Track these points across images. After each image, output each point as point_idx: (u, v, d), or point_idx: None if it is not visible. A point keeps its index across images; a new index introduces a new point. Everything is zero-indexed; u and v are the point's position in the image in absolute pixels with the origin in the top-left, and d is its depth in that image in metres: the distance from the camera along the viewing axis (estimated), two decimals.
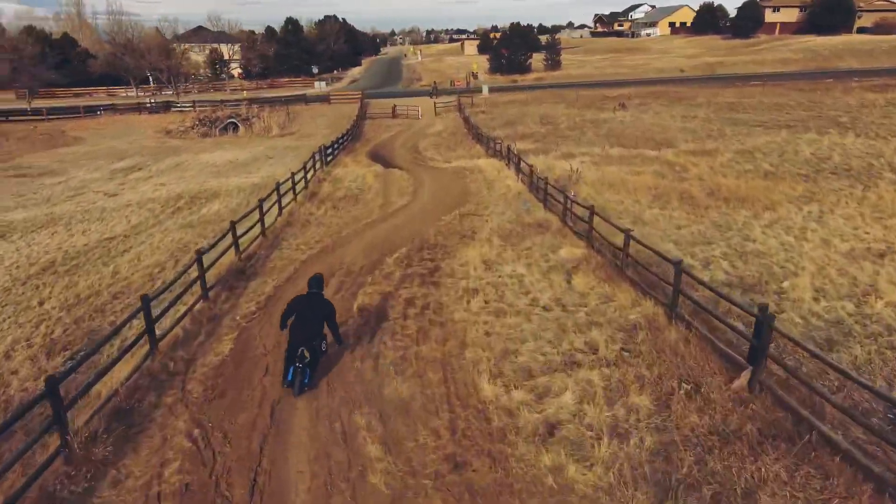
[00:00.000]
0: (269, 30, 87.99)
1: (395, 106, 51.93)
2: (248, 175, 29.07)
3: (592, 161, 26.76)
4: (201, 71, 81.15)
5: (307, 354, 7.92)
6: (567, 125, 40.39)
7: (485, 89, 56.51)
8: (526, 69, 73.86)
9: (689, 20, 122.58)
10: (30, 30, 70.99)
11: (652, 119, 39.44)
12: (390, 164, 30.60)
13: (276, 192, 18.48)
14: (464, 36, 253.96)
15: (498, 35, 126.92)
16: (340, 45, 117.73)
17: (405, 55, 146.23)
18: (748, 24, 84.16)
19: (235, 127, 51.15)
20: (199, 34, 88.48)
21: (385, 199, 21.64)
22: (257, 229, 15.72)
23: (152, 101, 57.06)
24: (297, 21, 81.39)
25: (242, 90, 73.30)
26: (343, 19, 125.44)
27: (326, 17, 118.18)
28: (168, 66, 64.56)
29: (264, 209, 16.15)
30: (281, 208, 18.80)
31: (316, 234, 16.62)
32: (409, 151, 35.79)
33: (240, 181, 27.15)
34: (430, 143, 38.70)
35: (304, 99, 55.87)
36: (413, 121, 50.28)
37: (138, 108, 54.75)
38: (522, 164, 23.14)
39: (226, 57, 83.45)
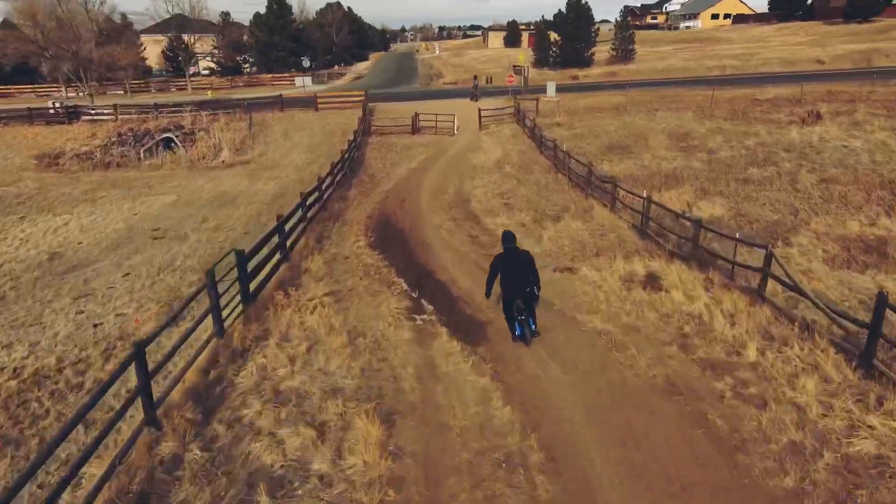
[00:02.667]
0: (259, 17, 69.74)
1: (416, 114, 33.32)
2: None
3: None
4: (156, 67, 62.97)
5: (522, 305, 8.24)
6: (733, 153, 21.81)
7: (551, 88, 37.77)
8: (586, 62, 55.28)
9: (733, 10, 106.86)
10: None
11: None
12: (430, 282, 11.81)
13: None
14: (478, 32, 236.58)
15: (529, 26, 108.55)
16: (344, 36, 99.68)
17: (417, 50, 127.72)
18: (869, 4, 65.00)
19: (171, 145, 32.81)
20: (167, 23, 70.20)
21: None
22: None
23: (56, 105, 38.66)
24: (283, 1, 62.79)
25: (210, 89, 55.15)
26: (349, 7, 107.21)
27: (329, 4, 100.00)
28: (98, 57, 46.19)
29: None
30: None
31: None
32: (458, 222, 16.73)
33: None
34: (491, 192, 20.03)
35: (280, 103, 37.36)
36: (445, 137, 31.75)
37: (29, 115, 36.41)
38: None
39: (199, 49, 65.43)
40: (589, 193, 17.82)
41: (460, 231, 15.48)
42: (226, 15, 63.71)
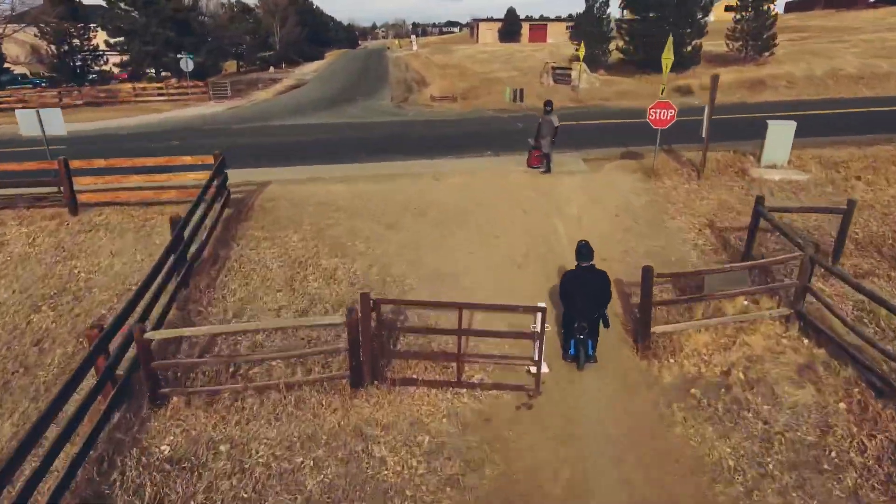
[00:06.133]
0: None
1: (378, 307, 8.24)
2: None
3: None
4: None
5: (585, 325, 7.31)
6: None
7: (779, 138, 12.77)
8: (688, 61, 30.92)
9: None
10: None
11: None
12: None
13: None
14: (455, 29, 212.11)
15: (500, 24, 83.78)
16: (292, 29, 74.05)
17: (388, 47, 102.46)
18: None
19: None
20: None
21: None
22: None
23: None
24: None
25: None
26: None
27: None
28: None
29: None
30: None
31: None
32: None
33: None
34: None
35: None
36: (512, 417, 6.80)
37: None
38: None
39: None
40: None
41: None
42: None
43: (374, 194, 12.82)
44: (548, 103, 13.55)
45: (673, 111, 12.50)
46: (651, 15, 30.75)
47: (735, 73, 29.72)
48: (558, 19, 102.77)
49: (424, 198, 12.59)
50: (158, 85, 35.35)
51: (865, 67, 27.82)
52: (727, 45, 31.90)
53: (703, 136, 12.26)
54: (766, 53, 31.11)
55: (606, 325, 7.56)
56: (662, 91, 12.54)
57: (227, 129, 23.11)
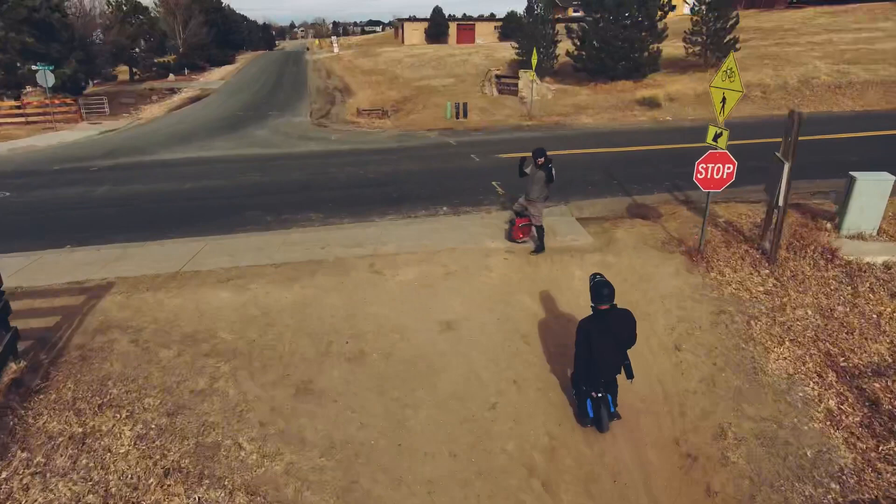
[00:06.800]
0: None
1: None
2: None
3: None
4: None
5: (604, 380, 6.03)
6: None
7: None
8: (645, 67, 27.30)
9: None
10: None
11: None
12: None
13: None
14: (377, 28, 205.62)
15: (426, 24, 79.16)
16: (197, 30, 66.13)
17: (308, 48, 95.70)
18: None
19: None
20: None
21: None
22: None
23: None
24: None
25: None
26: None
27: None
28: None
29: None
30: None
31: None
32: None
33: None
34: None
35: None
36: None
37: None
38: None
39: None
40: None
41: None
42: None
43: (279, 311, 7.92)
44: (539, 152, 9.06)
45: (731, 166, 8.35)
46: (600, 16, 26.99)
47: (696, 82, 26.53)
48: (482, 18, 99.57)
49: (359, 318, 7.82)
50: (13, 104, 28.28)
51: (839, 75, 25.31)
52: (686, 49, 28.73)
53: (780, 203, 8.15)
54: (720, 62, 28.16)
55: (630, 375, 6.00)
56: (717, 138, 8.31)
57: (82, 170, 17.18)
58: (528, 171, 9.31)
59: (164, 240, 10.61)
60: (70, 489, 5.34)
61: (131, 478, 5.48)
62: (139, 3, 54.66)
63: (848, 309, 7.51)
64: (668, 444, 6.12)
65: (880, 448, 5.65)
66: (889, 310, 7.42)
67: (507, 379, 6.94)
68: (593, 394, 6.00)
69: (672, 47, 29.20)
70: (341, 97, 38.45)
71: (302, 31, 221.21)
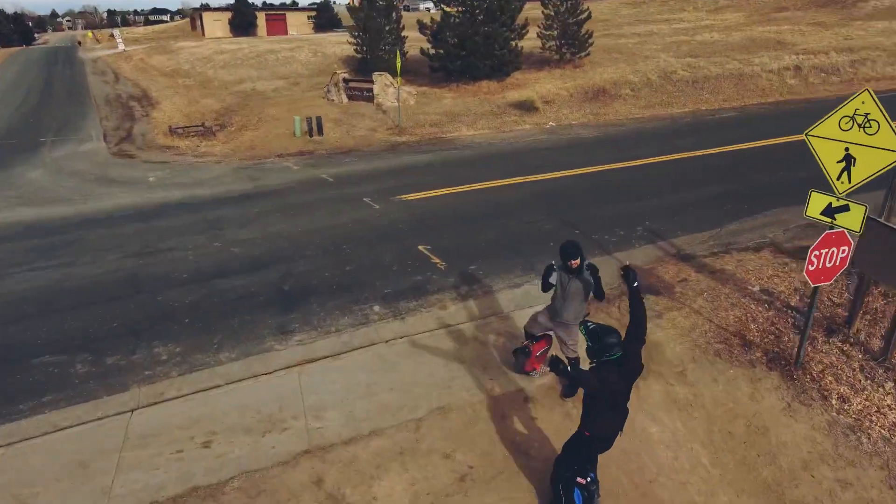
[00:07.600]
0: None
1: None
2: None
3: None
4: None
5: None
6: None
7: None
8: (507, 66, 24.86)
9: None
10: None
11: None
12: None
13: None
14: (164, 17, 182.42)
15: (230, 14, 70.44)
16: None
17: (79, 43, 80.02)
18: None
19: None
20: None
21: None
22: None
23: None
24: None
25: None
26: None
27: None
28: None
29: None
30: None
31: None
32: None
33: None
34: None
35: None
36: None
37: None
38: None
39: None
40: None
41: None
42: None
43: None
44: (571, 250, 5.60)
45: (847, 248, 5.70)
46: (459, 10, 24.14)
47: (563, 80, 25.06)
48: (294, 7, 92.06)
49: None
50: None
51: (693, 70, 25.49)
52: (542, 44, 27.13)
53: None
54: (583, 53, 27.19)
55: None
56: (834, 212, 5.59)
57: None
58: (553, 280, 5.80)
59: None
60: None
61: None
62: None
63: None
64: None
65: None
66: None
67: None
68: (579, 479, 4.61)
69: (526, 40, 27.40)
70: (142, 109, 30.84)
71: (69, 21, 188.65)
